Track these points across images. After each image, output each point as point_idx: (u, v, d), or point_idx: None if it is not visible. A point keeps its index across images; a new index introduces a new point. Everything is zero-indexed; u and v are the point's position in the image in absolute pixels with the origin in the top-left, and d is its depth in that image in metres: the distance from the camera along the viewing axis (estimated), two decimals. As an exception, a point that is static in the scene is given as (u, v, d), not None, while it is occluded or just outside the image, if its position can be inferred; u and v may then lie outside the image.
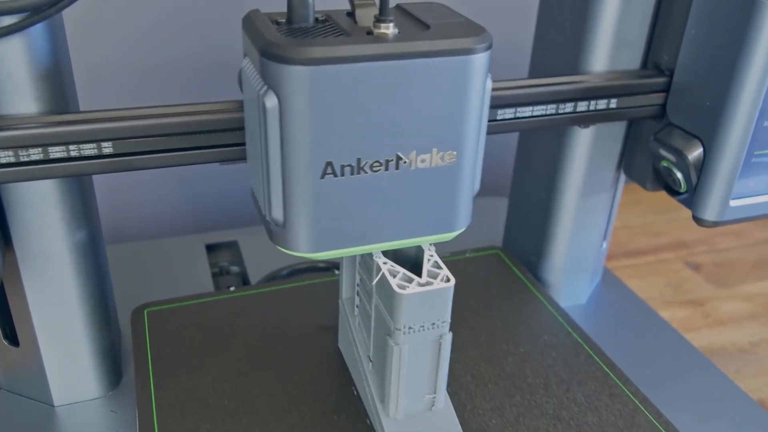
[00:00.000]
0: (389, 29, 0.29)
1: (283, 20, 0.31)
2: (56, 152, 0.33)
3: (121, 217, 0.70)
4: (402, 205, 0.32)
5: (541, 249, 0.53)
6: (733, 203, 0.41)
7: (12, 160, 0.33)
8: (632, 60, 0.45)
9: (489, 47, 0.30)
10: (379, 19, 0.29)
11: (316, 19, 0.31)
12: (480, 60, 0.30)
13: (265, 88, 0.29)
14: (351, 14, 0.31)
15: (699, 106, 0.40)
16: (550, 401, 0.41)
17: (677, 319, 0.62)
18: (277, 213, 0.31)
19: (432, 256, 0.35)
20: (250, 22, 0.31)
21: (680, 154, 0.41)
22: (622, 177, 0.51)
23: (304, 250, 0.32)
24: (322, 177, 0.30)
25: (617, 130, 0.48)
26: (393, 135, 0.30)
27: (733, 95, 0.38)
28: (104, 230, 0.45)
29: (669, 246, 0.74)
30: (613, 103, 0.42)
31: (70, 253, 0.40)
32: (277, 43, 0.28)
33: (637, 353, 0.50)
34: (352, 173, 0.30)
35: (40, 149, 0.33)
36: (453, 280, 0.34)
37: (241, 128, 0.35)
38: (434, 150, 0.31)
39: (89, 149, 0.34)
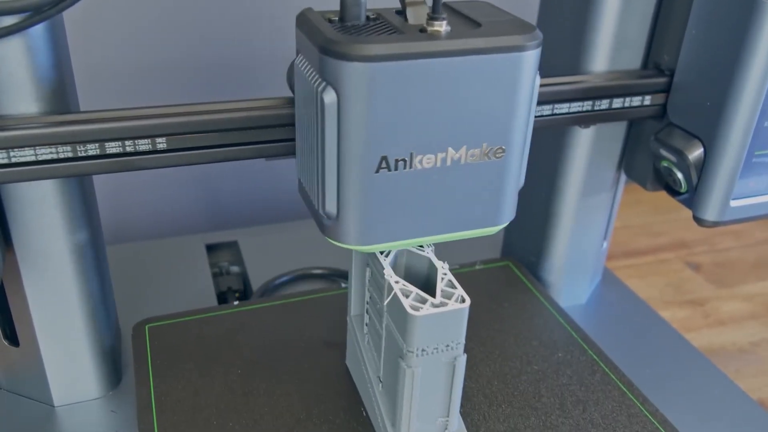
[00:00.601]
0: (442, 27, 0.30)
1: (336, 18, 0.32)
2: (56, 152, 0.33)
3: (121, 217, 0.70)
4: (451, 199, 0.32)
5: (541, 249, 0.53)
6: (733, 203, 0.41)
7: (12, 160, 0.33)
8: (633, 60, 0.45)
9: (539, 44, 0.30)
10: (433, 16, 0.30)
11: (368, 17, 0.32)
12: (531, 57, 0.30)
13: (324, 84, 0.29)
14: (401, 12, 0.32)
15: (699, 106, 0.40)
16: (566, 422, 0.40)
17: (677, 319, 0.62)
18: (331, 206, 0.32)
19: (446, 274, 0.34)
20: (305, 20, 0.31)
21: (681, 154, 0.41)
22: (623, 177, 0.51)
23: (354, 242, 0.32)
24: (377, 171, 0.31)
25: (617, 130, 0.48)
26: (445, 130, 0.31)
27: (733, 95, 0.38)
28: (105, 230, 0.45)
29: (669, 246, 0.74)
30: (614, 103, 0.42)
31: (71, 253, 0.40)
32: (336, 40, 0.29)
33: (637, 353, 0.50)
34: (405, 167, 0.31)
35: (40, 149, 0.33)
36: (468, 301, 0.33)
37: (243, 128, 0.35)
38: (484, 145, 0.31)
39: (90, 149, 0.34)
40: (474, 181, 0.32)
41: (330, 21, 0.31)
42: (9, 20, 0.32)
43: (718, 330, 0.61)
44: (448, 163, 0.31)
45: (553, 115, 0.41)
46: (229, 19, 0.64)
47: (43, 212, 0.38)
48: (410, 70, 0.29)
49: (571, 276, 0.54)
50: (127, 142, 0.34)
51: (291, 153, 0.37)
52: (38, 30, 0.34)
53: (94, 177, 0.41)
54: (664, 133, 0.43)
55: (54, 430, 0.43)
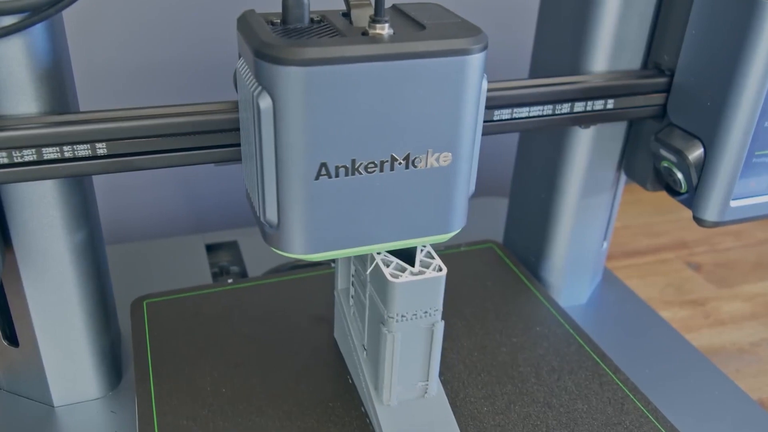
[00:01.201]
0: (384, 30, 0.29)
1: (279, 21, 0.31)
2: (56, 153, 0.33)
3: (121, 216, 0.70)
4: (397, 207, 0.32)
5: (541, 249, 0.53)
6: (733, 203, 0.41)
7: (12, 160, 0.33)
8: (633, 60, 0.45)
9: (485, 48, 0.30)
10: (375, 19, 0.29)
11: (312, 20, 0.31)
12: (476, 61, 0.29)
13: (260, 88, 0.29)
14: (346, 15, 0.31)
15: (700, 107, 0.40)
16: (541, 389, 0.42)
17: (677, 319, 0.62)
18: (271, 214, 0.31)
19: (425, 246, 0.36)
20: (244, 23, 0.31)
21: (681, 155, 0.41)
22: (623, 177, 0.51)
23: (298, 251, 0.32)
24: (317, 178, 0.30)
25: (618, 130, 0.48)
26: (388, 136, 0.30)
27: (733, 95, 0.38)
28: (104, 230, 0.45)
29: (669, 246, 0.74)
30: (614, 103, 0.42)
31: (70, 253, 0.40)
32: (271, 43, 0.28)
33: (637, 353, 0.50)
34: (346, 174, 0.30)
35: (40, 149, 0.33)
36: (445, 270, 0.35)
37: (238, 129, 0.35)
38: (429, 151, 0.31)
39: (89, 149, 0.34)
40: (421, 188, 0.32)
41: (272, 23, 0.31)
42: (9, 20, 0.32)
43: (718, 330, 0.61)
44: (393, 169, 0.31)
45: (553, 115, 0.41)
46: (229, 20, 0.64)
47: (42, 212, 0.38)
48: (349, 75, 0.28)
49: (571, 276, 0.54)
50: (125, 143, 0.34)
51: (238, 158, 0.36)
52: (38, 30, 0.34)
53: (94, 177, 0.41)
54: (664, 133, 0.43)
55: (54, 430, 0.43)
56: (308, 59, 0.27)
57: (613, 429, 0.39)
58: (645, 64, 0.45)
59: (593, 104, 0.42)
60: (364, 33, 0.29)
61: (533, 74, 0.50)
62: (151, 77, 0.64)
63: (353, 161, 0.30)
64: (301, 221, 0.31)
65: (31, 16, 0.32)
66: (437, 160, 0.31)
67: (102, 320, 0.44)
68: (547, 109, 0.41)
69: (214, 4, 0.63)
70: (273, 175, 0.30)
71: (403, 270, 0.34)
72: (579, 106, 0.42)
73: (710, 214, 0.41)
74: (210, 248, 0.63)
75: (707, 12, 0.39)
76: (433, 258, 0.35)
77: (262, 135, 0.29)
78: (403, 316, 0.35)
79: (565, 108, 0.41)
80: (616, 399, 0.41)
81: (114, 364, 0.46)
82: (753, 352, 0.58)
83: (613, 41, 0.43)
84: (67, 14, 0.35)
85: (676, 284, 0.68)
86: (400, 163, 0.31)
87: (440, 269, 0.35)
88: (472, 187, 0.34)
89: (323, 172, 0.30)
